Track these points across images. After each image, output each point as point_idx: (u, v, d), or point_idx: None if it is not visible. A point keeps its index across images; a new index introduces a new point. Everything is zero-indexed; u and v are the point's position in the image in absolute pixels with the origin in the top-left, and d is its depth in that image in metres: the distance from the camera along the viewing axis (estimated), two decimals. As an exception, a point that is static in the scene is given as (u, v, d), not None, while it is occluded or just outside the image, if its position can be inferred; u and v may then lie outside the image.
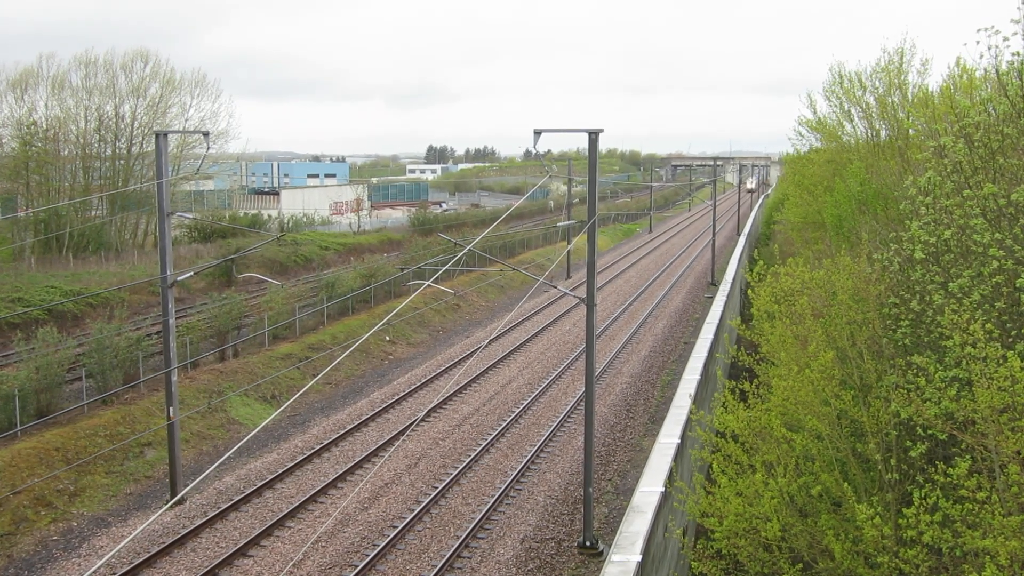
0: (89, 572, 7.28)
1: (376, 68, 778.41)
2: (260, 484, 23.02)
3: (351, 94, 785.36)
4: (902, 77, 29.66)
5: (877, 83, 30.58)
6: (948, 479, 10.15)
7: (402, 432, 26.97)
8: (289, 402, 9.04)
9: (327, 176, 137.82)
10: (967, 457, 10.25)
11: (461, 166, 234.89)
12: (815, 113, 36.10)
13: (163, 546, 19.43)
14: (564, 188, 63.20)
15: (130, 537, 9.57)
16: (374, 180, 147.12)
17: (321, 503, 22.22)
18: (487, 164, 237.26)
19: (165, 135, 20.18)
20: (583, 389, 29.40)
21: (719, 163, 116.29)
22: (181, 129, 58.14)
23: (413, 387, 32.50)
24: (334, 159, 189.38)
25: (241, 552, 19.34)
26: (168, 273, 20.53)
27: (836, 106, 33.47)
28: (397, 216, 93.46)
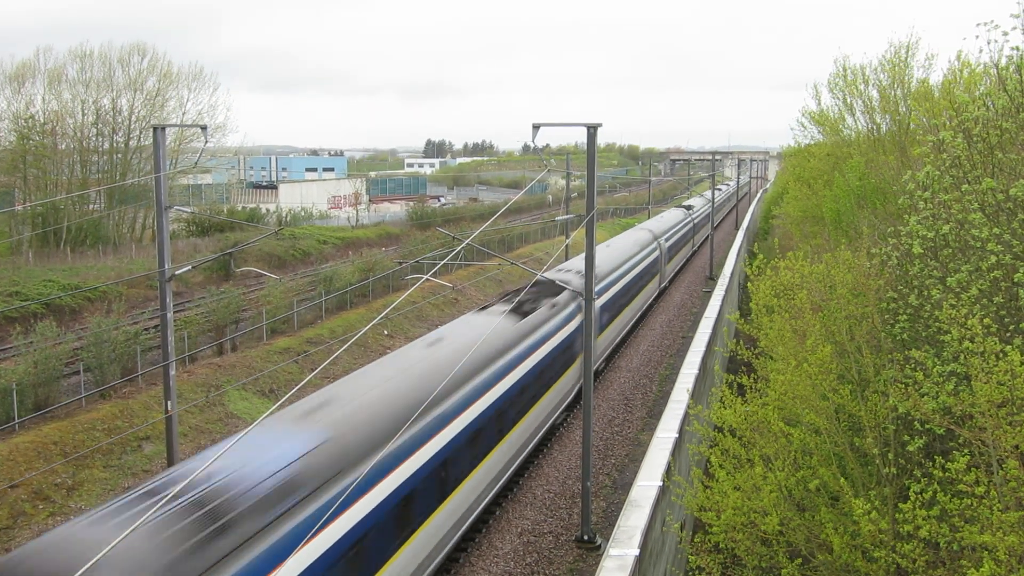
0: (87, 566, 7.24)
1: (390, 63, 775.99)
2: (258, 478, 22.99)
3: (363, 89, 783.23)
4: (906, 71, 29.67)
5: (881, 76, 30.60)
6: (946, 474, 10.15)
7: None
8: (287, 396, 9.00)
9: (325, 170, 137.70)
10: (965, 452, 10.26)
11: (459, 160, 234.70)
12: (819, 104, 36.12)
13: (161, 540, 19.41)
14: (563, 182, 63.08)
15: (128, 531, 9.54)
16: (372, 174, 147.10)
17: (319, 497, 22.20)
18: (485, 158, 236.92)
19: (163, 129, 20.10)
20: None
21: (717, 158, 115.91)
22: (179, 123, 58.00)
23: (411, 381, 32.44)
24: (332, 153, 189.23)
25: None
26: (166, 267, 20.48)
27: (839, 99, 33.51)
28: (395, 210, 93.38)
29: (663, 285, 50.91)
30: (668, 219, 60.41)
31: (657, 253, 47.15)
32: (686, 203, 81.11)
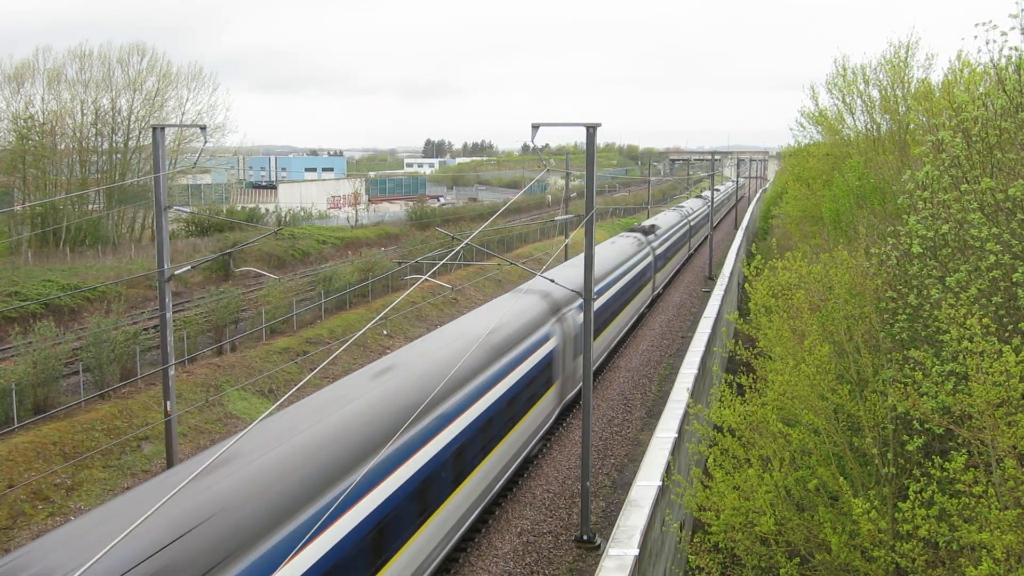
0: (86, 566, 7.24)
1: (390, 63, 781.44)
2: (258, 478, 22.96)
3: (363, 89, 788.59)
4: (906, 71, 29.68)
5: (881, 76, 30.59)
6: (945, 473, 10.16)
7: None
8: (287, 396, 9.02)
9: (324, 170, 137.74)
10: (963, 451, 10.27)
11: (459, 160, 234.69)
12: (817, 105, 36.14)
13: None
14: (562, 182, 62.35)
15: (127, 531, 9.54)
16: (371, 174, 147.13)
17: (319, 497, 22.15)
18: (485, 158, 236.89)
19: (162, 129, 20.12)
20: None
21: (717, 157, 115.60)
22: (178, 123, 58.00)
23: (411, 381, 32.35)
24: (332, 153, 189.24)
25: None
26: (165, 267, 20.49)
27: (838, 99, 33.51)
28: (395, 210, 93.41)
29: (565, 402, 26.85)
30: (602, 262, 33.55)
31: (556, 343, 24.71)
32: (647, 222, 54.90)
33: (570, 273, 27.40)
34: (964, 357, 10.24)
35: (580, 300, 26.28)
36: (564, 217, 41.49)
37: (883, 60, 30.39)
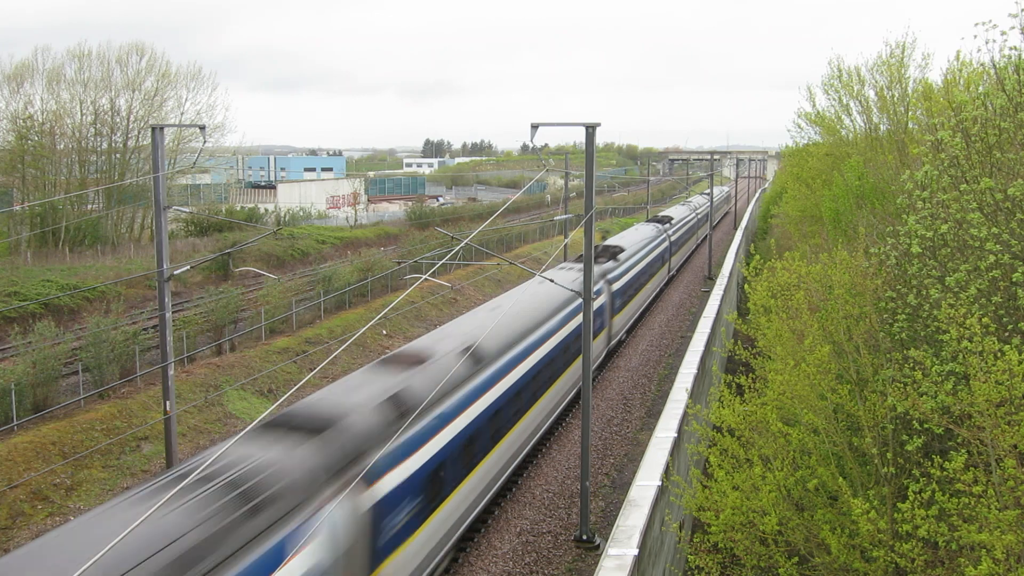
0: (85, 567, 7.22)
1: (391, 62, 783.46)
2: (257, 478, 22.95)
3: (364, 88, 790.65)
4: (903, 71, 29.64)
5: (878, 76, 30.55)
6: (944, 473, 10.16)
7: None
8: (286, 396, 9.08)
9: (324, 170, 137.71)
10: (963, 451, 10.26)
11: (458, 160, 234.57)
12: (814, 106, 36.12)
13: (160, 540, 19.37)
14: (561, 182, 62.57)
15: (127, 531, 9.52)
16: (371, 174, 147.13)
17: (318, 497, 22.15)
18: (484, 158, 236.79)
19: (161, 128, 20.09)
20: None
21: (716, 157, 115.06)
22: (177, 123, 57.98)
23: (410, 381, 32.33)
24: (331, 153, 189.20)
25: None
26: (165, 267, 20.46)
27: (835, 100, 33.48)
28: (394, 210, 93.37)
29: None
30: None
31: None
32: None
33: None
34: (964, 357, 10.24)
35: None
36: (563, 217, 41.48)
37: (879, 60, 30.39)
